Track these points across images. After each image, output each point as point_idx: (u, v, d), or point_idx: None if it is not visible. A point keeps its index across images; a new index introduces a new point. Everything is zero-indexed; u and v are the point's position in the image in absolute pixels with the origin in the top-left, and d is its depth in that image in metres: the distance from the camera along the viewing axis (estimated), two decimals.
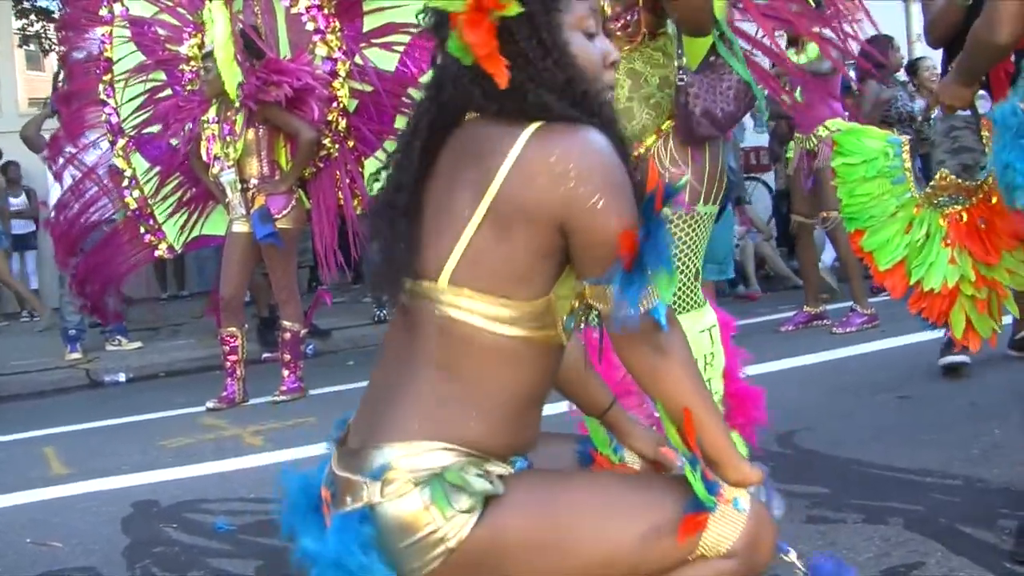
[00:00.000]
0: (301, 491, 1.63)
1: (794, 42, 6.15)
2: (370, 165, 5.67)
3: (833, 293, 7.47)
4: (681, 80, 2.41)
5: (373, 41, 5.62)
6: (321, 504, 1.58)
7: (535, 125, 1.48)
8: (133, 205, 6.08)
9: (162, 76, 5.99)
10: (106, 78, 5.98)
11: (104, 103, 6.02)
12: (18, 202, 10.56)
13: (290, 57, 5.66)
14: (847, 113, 6.31)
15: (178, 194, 6.11)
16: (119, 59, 5.98)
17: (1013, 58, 2.57)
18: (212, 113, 5.56)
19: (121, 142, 6.03)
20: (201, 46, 5.60)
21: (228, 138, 5.47)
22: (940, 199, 2.60)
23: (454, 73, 1.52)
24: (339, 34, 5.56)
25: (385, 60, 5.63)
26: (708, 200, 2.51)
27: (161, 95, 6.00)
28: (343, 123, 5.64)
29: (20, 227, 10.65)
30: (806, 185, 6.21)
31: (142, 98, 6.01)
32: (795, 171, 6.36)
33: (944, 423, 3.72)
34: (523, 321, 1.50)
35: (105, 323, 7.36)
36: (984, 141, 2.71)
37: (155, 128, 6.02)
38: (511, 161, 1.46)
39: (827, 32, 2.83)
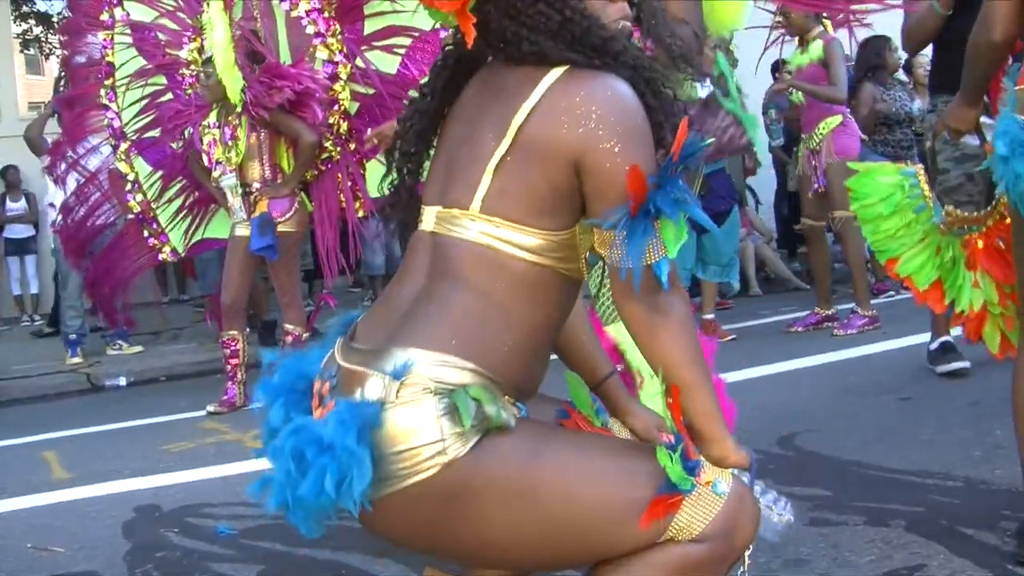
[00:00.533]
0: (286, 379, 1.62)
1: (802, 43, 6.17)
2: (372, 167, 5.68)
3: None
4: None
5: (374, 44, 5.62)
6: (308, 399, 1.57)
7: (561, 69, 1.51)
8: (136, 209, 6.08)
9: (163, 80, 6.00)
10: (108, 82, 5.99)
11: (106, 107, 6.03)
12: (17, 206, 10.55)
13: (290, 62, 5.67)
14: (847, 110, 6.30)
15: (181, 198, 6.12)
16: (121, 64, 5.98)
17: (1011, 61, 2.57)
18: (212, 118, 5.56)
19: (123, 146, 6.04)
20: (201, 50, 5.60)
21: (230, 142, 5.48)
22: (954, 230, 2.66)
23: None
24: (340, 37, 5.56)
25: (387, 63, 5.63)
26: None
27: (163, 99, 6.01)
28: (344, 125, 5.65)
29: (20, 231, 10.66)
30: (817, 186, 6.20)
31: (144, 102, 6.02)
32: (803, 173, 6.35)
33: (946, 425, 3.72)
34: (550, 251, 1.53)
35: (115, 327, 7.35)
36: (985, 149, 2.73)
37: (157, 132, 6.03)
38: (535, 100, 1.50)
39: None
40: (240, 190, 5.51)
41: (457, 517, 1.47)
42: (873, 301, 6.07)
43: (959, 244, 2.62)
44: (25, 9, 13.69)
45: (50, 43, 14.03)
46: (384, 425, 1.44)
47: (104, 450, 4.87)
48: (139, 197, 6.06)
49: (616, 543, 1.48)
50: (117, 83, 5.98)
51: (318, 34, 5.57)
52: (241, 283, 5.64)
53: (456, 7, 1.52)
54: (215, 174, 5.58)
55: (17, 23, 13.57)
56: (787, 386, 4.76)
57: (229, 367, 5.64)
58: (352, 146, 5.70)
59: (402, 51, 5.62)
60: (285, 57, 5.74)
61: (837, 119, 6.12)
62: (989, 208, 2.61)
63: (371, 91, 5.59)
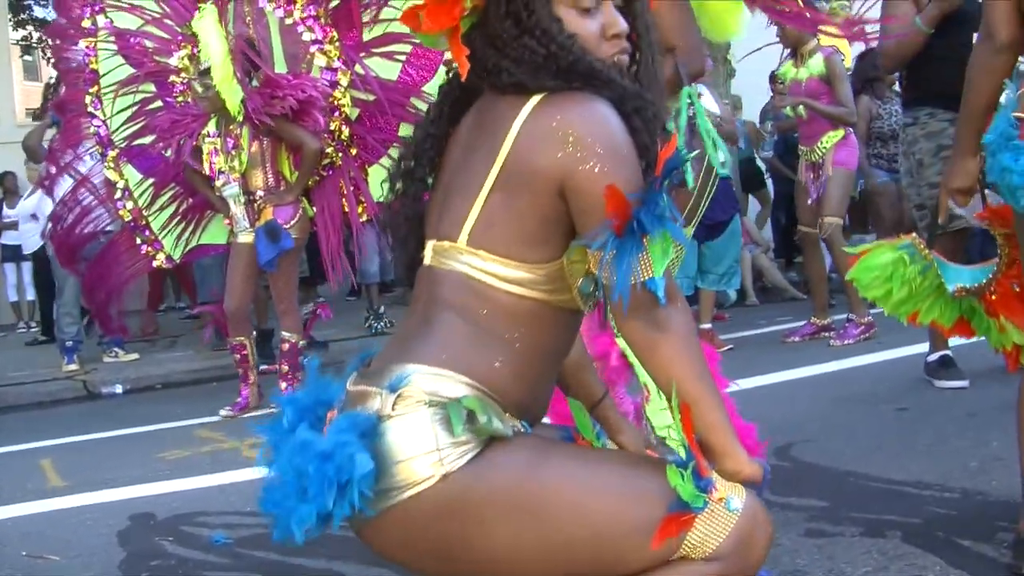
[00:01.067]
0: (309, 401, 1.62)
1: (796, 55, 6.18)
2: (374, 172, 5.72)
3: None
4: None
5: (373, 51, 5.64)
6: (321, 425, 1.57)
7: (539, 96, 1.52)
8: (128, 217, 6.06)
9: (152, 88, 5.97)
10: (92, 90, 5.94)
11: (92, 115, 5.97)
12: (14, 213, 10.54)
13: (286, 69, 5.68)
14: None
15: (174, 205, 6.11)
16: (108, 71, 5.93)
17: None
18: (211, 127, 5.56)
19: (111, 153, 5.99)
20: (191, 57, 5.62)
21: (233, 152, 5.49)
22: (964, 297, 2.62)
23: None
24: (337, 44, 5.58)
25: (387, 69, 5.65)
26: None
27: (152, 106, 5.98)
28: (346, 132, 5.68)
29: (16, 238, 10.63)
30: (813, 196, 6.22)
31: (132, 109, 5.98)
32: (801, 185, 6.37)
33: (942, 435, 3.72)
34: (538, 284, 1.53)
35: (110, 334, 7.34)
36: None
37: (146, 139, 5.99)
38: (516, 130, 1.51)
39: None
40: (243, 198, 5.52)
41: (458, 533, 1.47)
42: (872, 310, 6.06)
43: (973, 301, 2.60)
44: (23, 16, 13.70)
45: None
46: (382, 436, 1.46)
47: (100, 458, 4.86)
48: (130, 205, 6.02)
49: (627, 562, 1.46)
50: (102, 91, 5.94)
51: (315, 41, 5.58)
52: (244, 289, 5.67)
53: (441, 29, 1.53)
54: (218, 183, 5.58)
55: (16, 29, 13.58)
56: (783, 396, 4.76)
57: (240, 371, 5.70)
58: (353, 151, 5.74)
59: (402, 57, 5.64)
60: (280, 64, 5.75)
61: (839, 133, 6.13)
62: (993, 269, 2.56)
63: (371, 97, 5.61)
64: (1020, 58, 2.57)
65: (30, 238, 9.14)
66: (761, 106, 10.59)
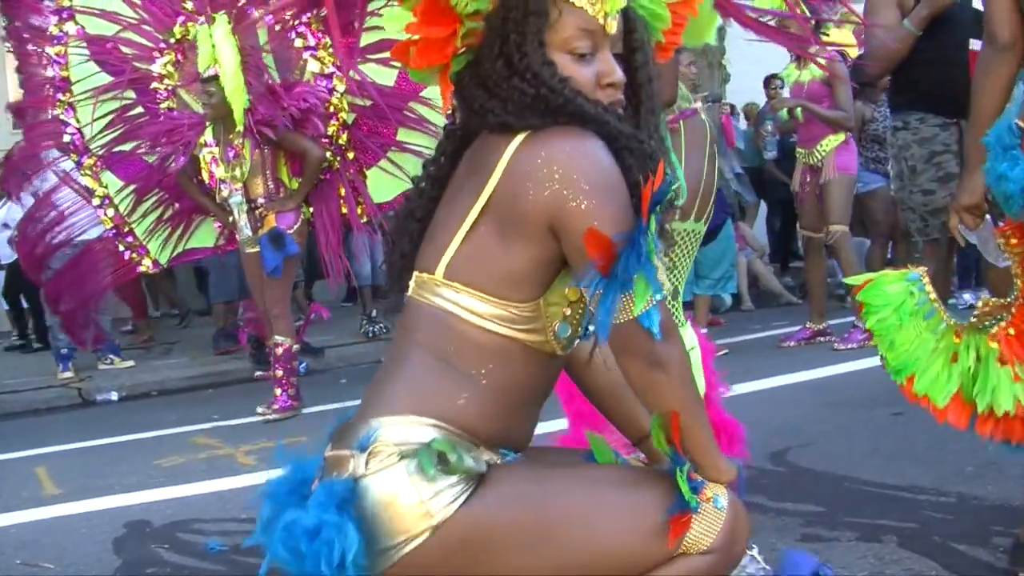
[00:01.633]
0: (289, 486, 1.62)
1: (799, 58, 6.19)
2: (373, 175, 5.76)
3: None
4: None
5: (369, 57, 5.64)
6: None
7: (524, 133, 1.52)
8: (109, 224, 6.02)
9: (131, 94, 5.90)
10: (63, 98, 5.86)
11: (64, 123, 5.88)
12: None
13: (281, 78, 5.69)
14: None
15: (158, 211, 6.08)
16: (83, 78, 5.83)
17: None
18: (209, 136, 5.55)
19: (88, 161, 5.92)
20: (175, 64, 5.62)
21: (234, 161, 5.49)
22: (986, 323, 2.44)
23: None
24: (330, 50, 5.58)
25: (384, 75, 5.66)
26: (691, 216, 2.51)
27: (131, 113, 5.92)
28: (344, 136, 5.70)
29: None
30: (805, 199, 6.23)
31: (109, 117, 5.89)
32: (800, 187, 6.37)
33: (938, 440, 3.71)
34: (512, 322, 1.53)
35: (80, 343, 7.28)
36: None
37: (127, 146, 5.94)
38: (502, 168, 1.51)
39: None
40: (245, 206, 5.54)
41: (470, 572, 1.49)
42: None
43: (986, 340, 2.40)
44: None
45: None
46: (362, 497, 1.46)
47: (95, 465, 4.84)
48: (111, 212, 5.98)
49: (638, 566, 1.51)
50: (75, 98, 5.87)
51: (308, 48, 5.59)
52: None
53: (430, 67, 1.53)
54: (223, 193, 5.57)
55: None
56: (779, 401, 4.76)
57: (281, 371, 5.67)
58: (351, 155, 5.76)
59: (399, 65, 5.62)
60: (271, 71, 5.75)
61: (840, 137, 6.14)
62: (1015, 294, 2.42)
63: (369, 103, 5.62)
64: None
65: (2, 248, 9.00)
66: (756, 110, 10.60)
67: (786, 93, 6.77)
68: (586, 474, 1.62)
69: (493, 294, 1.52)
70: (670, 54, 1.74)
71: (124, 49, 5.85)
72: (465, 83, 1.58)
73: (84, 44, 5.85)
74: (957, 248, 3.91)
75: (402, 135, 5.74)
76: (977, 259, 7.04)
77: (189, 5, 5.65)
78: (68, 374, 7.52)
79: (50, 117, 5.96)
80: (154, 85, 5.82)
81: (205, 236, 6.09)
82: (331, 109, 5.61)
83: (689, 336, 2.56)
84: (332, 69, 5.59)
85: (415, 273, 1.60)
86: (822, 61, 5.73)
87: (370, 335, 8.01)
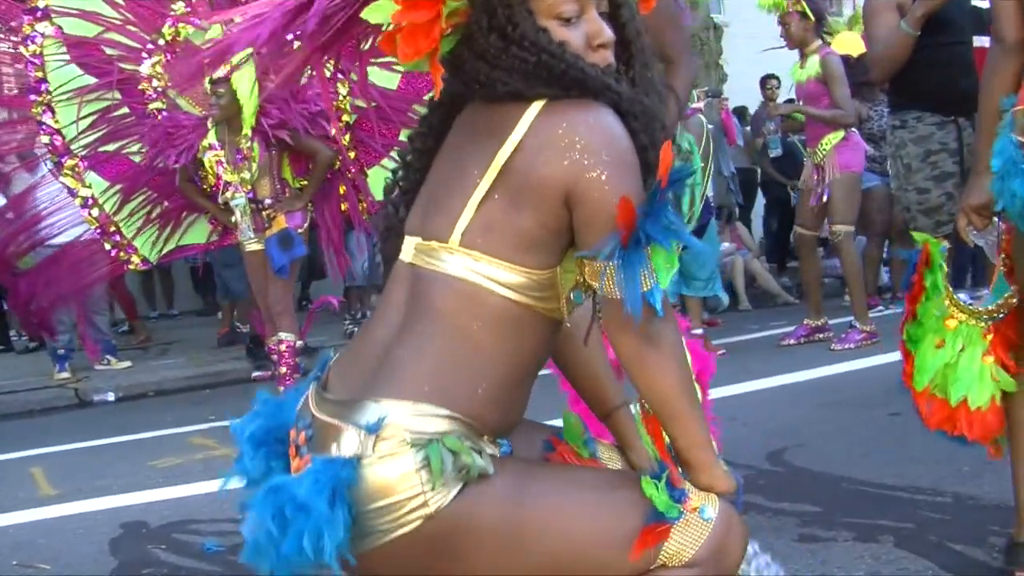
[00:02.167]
0: (265, 429, 1.61)
1: (802, 56, 6.20)
2: (374, 174, 5.77)
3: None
4: None
5: (371, 60, 5.64)
6: (286, 447, 1.56)
7: (541, 102, 1.50)
8: (94, 224, 5.97)
9: (115, 95, 5.84)
10: (41, 99, 5.73)
11: (41, 124, 5.75)
12: None
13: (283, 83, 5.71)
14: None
15: (146, 209, 6.04)
16: (67, 80, 5.71)
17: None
18: (212, 138, 5.54)
19: (69, 162, 5.82)
20: (164, 64, 5.60)
21: (242, 163, 5.49)
22: (1000, 314, 2.41)
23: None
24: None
25: (387, 79, 5.66)
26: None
27: (116, 113, 5.84)
28: (347, 137, 5.72)
29: None
30: (816, 202, 6.23)
31: (93, 117, 5.79)
32: (804, 185, 6.37)
33: (935, 440, 3.69)
34: (530, 289, 1.51)
35: (55, 341, 7.23)
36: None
37: (111, 147, 5.86)
38: (519, 136, 1.48)
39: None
40: (250, 208, 5.54)
41: (444, 567, 1.47)
42: (872, 315, 6.07)
43: (979, 333, 2.39)
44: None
45: None
46: (362, 481, 1.44)
47: (91, 466, 4.84)
48: (95, 212, 5.93)
49: (616, 573, 1.48)
50: (54, 99, 5.76)
51: None
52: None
53: (420, 56, 1.51)
54: (227, 195, 5.56)
55: None
56: (776, 401, 4.77)
57: (285, 369, 5.65)
58: (352, 154, 5.79)
59: (401, 68, 5.63)
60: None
61: (839, 135, 6.12)
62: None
63: (372, 104, 5.63)
64: None
65: None
66: (753, 110, 10.61)
67: (791, 93, 6.78)
68: (570, 476, 1.61)
69: (514, 261, 1.50)
70: (652, 3, 1.72)
71: (108, 50, 5.82)
72: (464, 58, 1.55)
73: (62, 44, 5.79)
74: (954, 248, 3.92)
75: (404, 135, 5.74)
76: (974, 257, 7.06)
77: (179, 7, 5.63)
78: (65, 374, 7.50)
79: (17, 117, 5.88)
80: (142, 86, 5.80)
81: (197, 233, 6.08)
82: (335, 110, 5.63)
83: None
84: (333, 72, 5.59)
85: (418, 240, 1.56)
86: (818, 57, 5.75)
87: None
